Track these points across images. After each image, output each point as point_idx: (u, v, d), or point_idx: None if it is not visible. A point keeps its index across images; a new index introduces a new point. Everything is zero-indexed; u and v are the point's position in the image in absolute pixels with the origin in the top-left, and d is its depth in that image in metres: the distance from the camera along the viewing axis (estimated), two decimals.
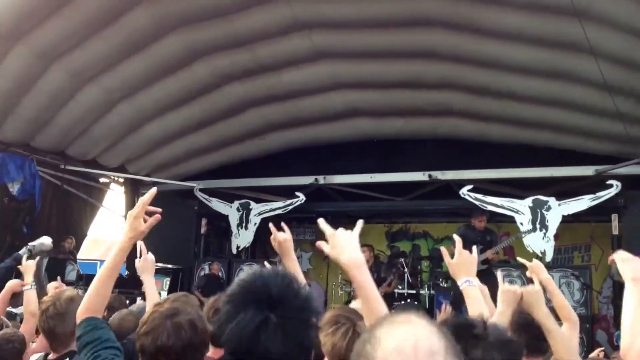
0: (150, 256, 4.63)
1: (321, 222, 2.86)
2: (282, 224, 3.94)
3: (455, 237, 3.61)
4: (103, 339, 3.17)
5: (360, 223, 2.94)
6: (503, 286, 3.68)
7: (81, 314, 3.25)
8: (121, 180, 16.11)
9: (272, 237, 4.00)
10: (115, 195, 16.63)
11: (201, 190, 15.71)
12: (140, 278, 4.65)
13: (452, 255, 3.58)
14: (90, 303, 3.27)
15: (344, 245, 2.74)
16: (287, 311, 2.20)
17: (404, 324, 1.59)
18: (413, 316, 1.63)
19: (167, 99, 12.76)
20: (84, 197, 14.94)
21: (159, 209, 3.41)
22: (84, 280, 13.07)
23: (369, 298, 2.67)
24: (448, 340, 1.56)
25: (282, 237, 3.95)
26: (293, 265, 4.12)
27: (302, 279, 4.24)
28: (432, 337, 1.55)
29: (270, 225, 3.92)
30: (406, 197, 14.82)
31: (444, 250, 3.66)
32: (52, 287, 6.15)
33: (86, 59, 11.07)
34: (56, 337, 3.97)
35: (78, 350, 3.25)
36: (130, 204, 15.74)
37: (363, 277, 2.67)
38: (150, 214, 3.35)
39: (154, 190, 3.37)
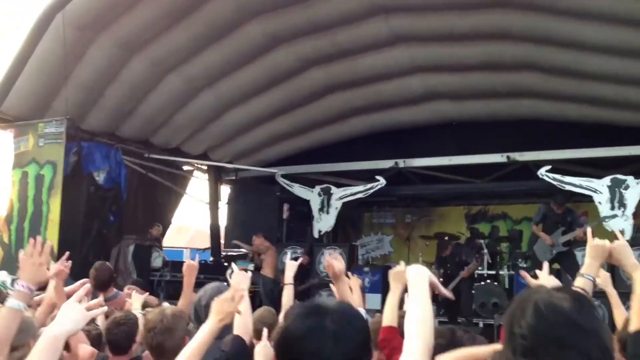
0: (194, 263, 5.05)
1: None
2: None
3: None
4: None
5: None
6: (592, 241, 3.56)
7: None
8: (204, 167, 16.39)
9: (325, 264, 4.39)
10: (198, 182, 17.00)
11: (283, 176, 15.79)
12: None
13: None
14: None
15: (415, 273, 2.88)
16: (341, 318, 2.15)
17: None
18: None
19: (248, 86, 13.05)
20: (168, 185, 15.24)
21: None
22: (170, 267, 13.49)
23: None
24: None
25: (338, 267, 4.38)
26: (344, 289, 4.53)
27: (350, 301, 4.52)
28: None
29: (327, 256, 4.12)
30: (485, 179, 14.95)
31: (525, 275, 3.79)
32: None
33: (167, 48, 11.46)
34: (164, 351, 4.00)
35: None
36: (214, 191, 16.19)
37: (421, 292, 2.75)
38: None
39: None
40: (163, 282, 13.27)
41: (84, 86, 11.66)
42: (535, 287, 2.65)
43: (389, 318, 3.94)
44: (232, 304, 3.48)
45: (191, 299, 4.87)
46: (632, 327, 3.21)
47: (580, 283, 3.32)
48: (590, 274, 3.36)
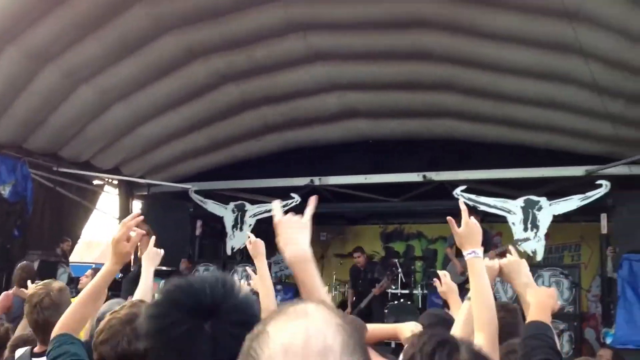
0: (157, 250, 4.68)
1: (275, 205, 2.66)
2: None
3: (462, 205, 3.51)
4: (71, 352, 3.18)
5: (311, 206, 2.66)
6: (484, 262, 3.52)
7: (56, 330, 3.29)
8: (115, 182, 16.07)
9: (247, 240, 4.45)
10: (109, 197, 16.65)
11: (196, 191, 15.68)
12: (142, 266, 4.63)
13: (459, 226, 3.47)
14: (68, 320, 3.32)
15: (291, 236, 2.52)
16: (223, 322, 1.94)
17: (298, 318, 1.39)
18: (312, 307, 1.44)
19: (162, 99, 12.78)
20: (77, 200, 14.85)
21: (143, 231, 3.59)
22: (76, 283, 12.95)
23: (308, 293, 2.40)
24: (347, 336, 1.37)
25: (255, 240, 4.44)
26: (262, 266, 4.46)
27: (268, 281, 4.42)
28: (327, 332, 1.35)
29: (247, 232, 4.13)
30: (401, 197, 14.95)
31: (450, 219, 3.56)
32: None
33: (80, 59, 11.08)
34: (50, 328, 3.62)
35: None
36: (125, 206, 15.84)
37: (306, 275, 2.43)
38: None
39: (138, 215, 3.47)
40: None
41: None
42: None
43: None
44: (126, 244, 3.37)
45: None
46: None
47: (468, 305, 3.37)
48: None
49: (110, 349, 2.88)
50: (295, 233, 2.51)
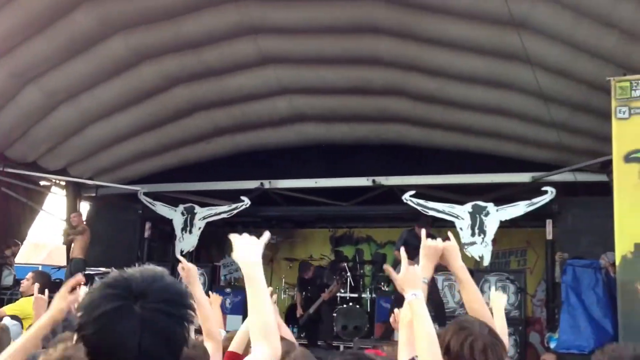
0: (192, 266, 4.48)
1: (232, 236, 2.75)
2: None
3: (402, 253, 3.52)
4: None
5: (266, 234, 2.85)
6: (425, 241, 3.69)
7: None
8: (63, 183, 15.84)
9: (179, 266, 4.25)
10: (56, 198, 16.42)
11: (145, 194, 15.51)
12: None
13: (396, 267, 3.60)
14: None
15: (244, 246, 2.71)
16: (152, 303, 1.96)
17: None
18: None
19: (111, 101, 12.65)
20: (23, 201, 14.61)
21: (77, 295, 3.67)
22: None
23: (255, 295, 2.63)
24: None
25: (189, 266, 4.25)
26: (197, 291, 4.28)
27: (205, 308, 4.29)
28: None
29: (179, 256, 4.04)
30: (350, 202, 14.99)
31: (388, 268, 3.73)
32: None
33: (27, 59, 10.99)
34: None
35: None
36: (72, 208, 15.65)
37: (254, 273, 2.65)
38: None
39: (80, 277, 3.73)
40: (14, 300, 12.68)
41: None
42: None
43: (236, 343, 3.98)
44: (64, 301, 3.56)
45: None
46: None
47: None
48: (424, 277, 3.46)
49: None
50: (249, 245, 2.68)
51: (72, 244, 14.22)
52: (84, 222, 14.71)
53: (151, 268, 2.07)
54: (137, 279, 1.99)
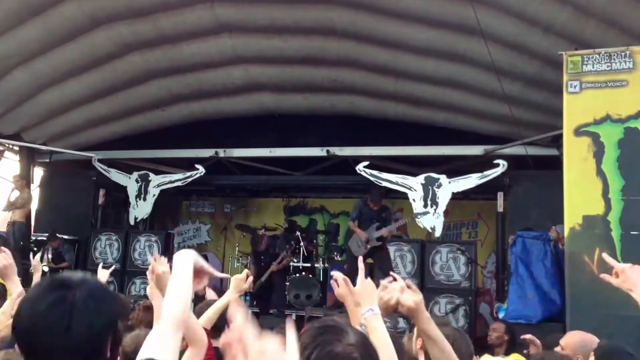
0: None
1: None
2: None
3: (360, 264, 3.35)
4: None
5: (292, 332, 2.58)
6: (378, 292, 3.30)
7: None
8: (16, 148, 15.71)
9: (148, 270, 3.74)
10: (9, 163, 16.13)
11: (99, 160, 15.40)
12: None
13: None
14: None
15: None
16: (85, 290, 2.14)
17: None
18: None
19: (66, 66, 12.51)
20: None
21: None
22: None
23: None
24: None
25: (162, 270, 3.61)
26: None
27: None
28: None
29: (150, 258, 3.71)
30: (304, 171, 15.04)
31: (339, 280, 3.33)
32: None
33: None
34: None
35: None
36: (26, 173, 15.49)
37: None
38: None
39: None
40: None
41: None
42: None
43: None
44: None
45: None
46: None
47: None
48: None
49: None
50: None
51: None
52: (24, 183, 14.56)
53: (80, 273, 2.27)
54: (71, 276, 2.21)
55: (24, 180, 14.74)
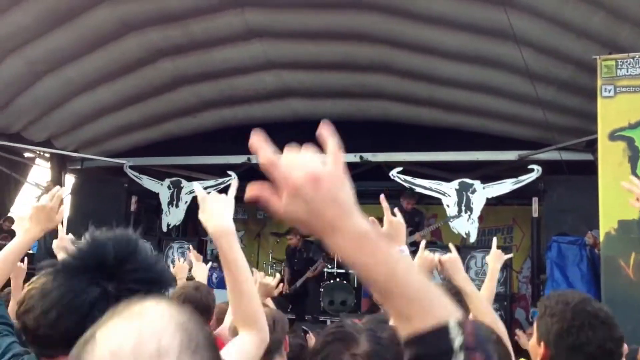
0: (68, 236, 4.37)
1: (197, 185, 2.80)
2: None
3: (384, 204, 3.37)
4: None
5: (234, 183, 2.78)
6: (422, 253, 3.83)
7: None
8: (47, 155, 15.78)
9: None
10: (41, 170, 16.33)
11: (131, 167, 15.46)
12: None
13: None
14: None
15: (214, 210, 2.61)
16: (127, 282, 1.92)
17: (131, 319, 1.24)
18: (150, 305, 1.29)
19: (96, 73, 12.55)
20: (6, 172, 14.56)
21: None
22: None
23: (232, 270, 2.60)
24: (188, 335, 1.24)
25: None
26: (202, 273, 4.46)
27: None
28: (163, 333, 1.21)
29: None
30: None
31: (372, 220, 3.44)
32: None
33: (9, 29, 10.85)
34: None
35: None
36: (57, 180, 15.56)
37: (228, 247, 2.59)
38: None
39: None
40: None
41: None
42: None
43: None
44: (49, 211, 3.49)
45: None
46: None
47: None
48: None
49: (32, 318, 2.88)
50: (220, 208, 2.60)
51: None
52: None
53: (124, 238, 2.02)
54: (111, 258, 1.95)
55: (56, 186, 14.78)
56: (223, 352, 2.19)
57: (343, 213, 1.39)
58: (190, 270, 5.23)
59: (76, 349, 1.24)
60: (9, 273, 3.46)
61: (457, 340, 1.27)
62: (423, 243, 3.92)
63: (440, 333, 1.28)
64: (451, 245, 4.03)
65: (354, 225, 1.38)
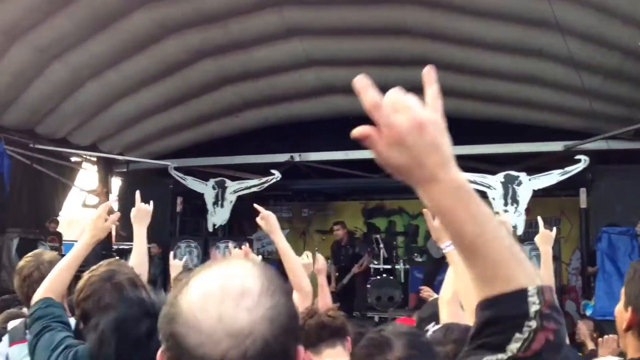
0: (145, 206, 4.73)
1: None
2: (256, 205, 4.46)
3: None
4: (56, 314, 3.20)
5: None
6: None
7: (41, 293, 3.33)
8: (93, 159, 15.93)
9: (259, 216, 4.32)
10: (88, 174, 16.46)
11: (176, 168, 15.53)
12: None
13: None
14: (51, 285, 3.36)
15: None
16: None
17: (221, 267, 1.39)
18: (236, 261, 1.44)
19: (138, 76, 12.65)
20: (55, 177, 14.64)
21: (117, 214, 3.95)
22: None
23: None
24: (268, 280, 1.35)
25: (267, 213, 4.30)
26: (281, 240, 4.30)
27: (291, 254, 4.34)
28: (246, 276, 1.34)
29: (256, 205, 4.12)
30: (382, 173, 14.77)
31: (426, 212, 3.44)
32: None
33: (52, 35, 10.94)
34: None
35: (28, 324, 3.27)
36: (104, 184, 15.71)
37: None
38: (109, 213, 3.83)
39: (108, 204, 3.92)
40: None
41: None
42: None
43: None
44: (104, 220, 3.76)
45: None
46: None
47: None
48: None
49: (92, 304, 2.98)
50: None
51: None
52: (104, 192, 14.76)
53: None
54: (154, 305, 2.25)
55: (105, 189, 14.95)
56: None
57: (443, 162, 1.41)
58: None
59: (174, 290, 1.39)
60: (70, 278, 3.53)
61: (534, 306, 1.30)
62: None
63: (520, 297, 1.31)
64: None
65: (453, 176, 1.41)
